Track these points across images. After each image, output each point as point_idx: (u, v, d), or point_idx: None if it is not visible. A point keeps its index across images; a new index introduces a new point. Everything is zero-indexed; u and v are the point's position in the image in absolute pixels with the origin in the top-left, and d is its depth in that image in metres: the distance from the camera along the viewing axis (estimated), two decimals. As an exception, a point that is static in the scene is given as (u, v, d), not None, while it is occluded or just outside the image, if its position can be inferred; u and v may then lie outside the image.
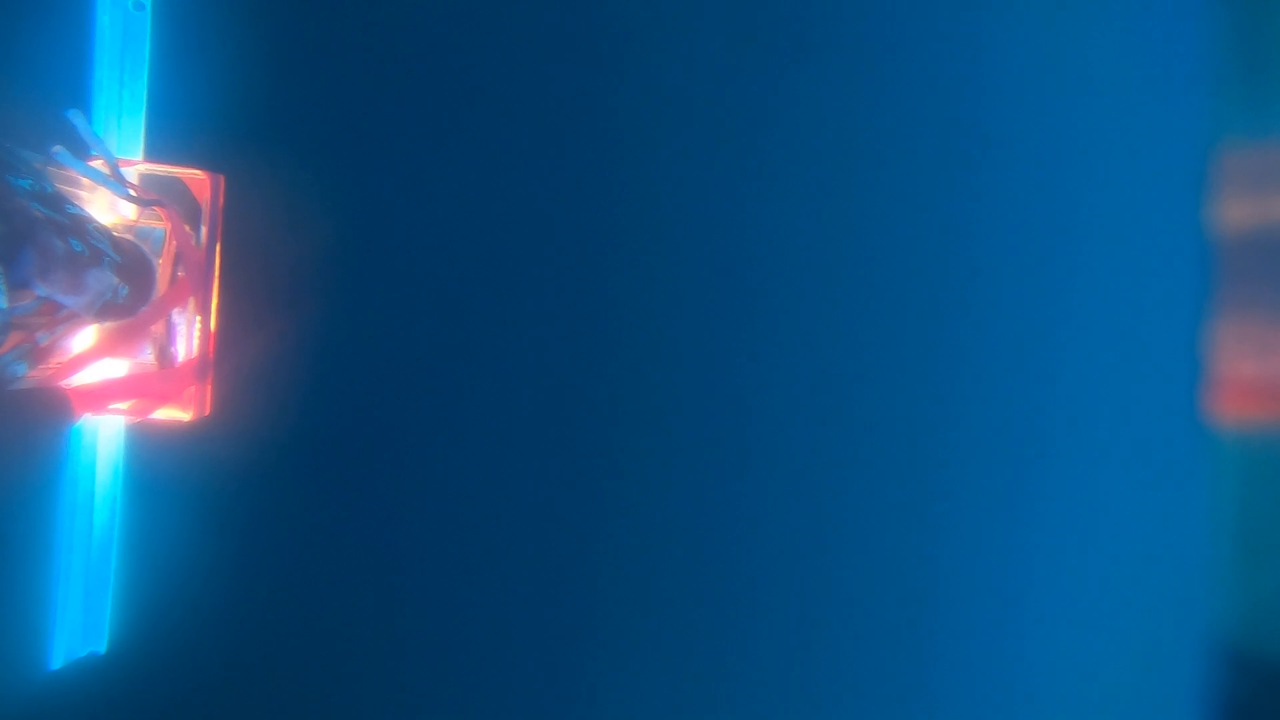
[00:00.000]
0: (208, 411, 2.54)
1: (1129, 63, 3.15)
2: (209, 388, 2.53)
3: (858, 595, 3.15)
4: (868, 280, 3.11)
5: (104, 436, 2.64)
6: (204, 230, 2.51)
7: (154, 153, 2.59)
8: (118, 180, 2.28)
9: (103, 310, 2.18)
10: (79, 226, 2.07)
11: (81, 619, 2.60)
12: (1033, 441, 3.19)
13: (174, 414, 2.50)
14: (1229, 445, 3.13)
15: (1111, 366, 3.18)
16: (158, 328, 2.45)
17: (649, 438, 3.05)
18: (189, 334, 2.50)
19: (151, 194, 2.44)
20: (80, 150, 2.21)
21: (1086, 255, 3.17)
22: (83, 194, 2.29)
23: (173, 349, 2.49)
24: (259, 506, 2.81)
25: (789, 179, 3.06)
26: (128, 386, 2.38)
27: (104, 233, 2.21)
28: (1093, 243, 3.17)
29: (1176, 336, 3.17)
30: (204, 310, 2.50)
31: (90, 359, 2.28)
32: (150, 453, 2.71)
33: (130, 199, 2.34)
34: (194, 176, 2.51)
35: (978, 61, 3.11)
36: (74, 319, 2.13)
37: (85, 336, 2.31)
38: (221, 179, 2.55)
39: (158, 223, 2.45)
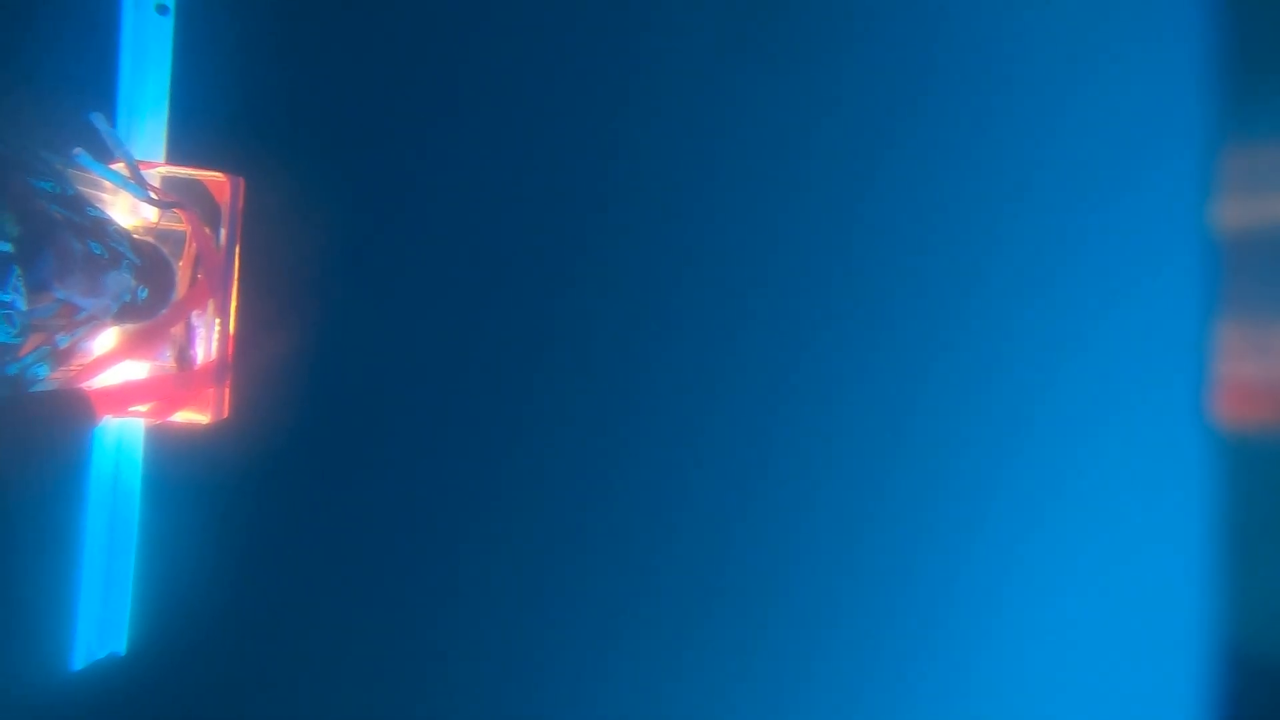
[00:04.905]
0: (226, 414, 2.55)
1: (1129, 63, 3.16)
2: (228, 390, 2.53)
3: (856, 595, 3.16)
4: (867, 281, 3.12)
5: (124, 438, 2.64)
6: (224, 233, 2.51)
7: (175, 155, 2.59)
8: (139, 183, 2.28)
9: (122, 312, 2.18)
10: (99, 229, 2.07)
11: (101, 620, 2.60)
12: (1032, 441, 3.20)
13: (193, 416, 2.51)
14: (1229, 445, 3.15)
15: (1111, 366, 3.19)
16: (177, 330, 2.45)
17: (658, 442, 3.07)
18: (208, 336, 2.50)
19: (172, 196, 2.44)
20: (102, 153, 2.20)
21: (1086, 255, 3.18)
22: (104, 196, 2.29)
23: (192, 351, 2.49)
24: (277, 508, 2.82)
25: (791, 179, 3.07)
26: (148, 389, 2.38)
27: (124, 235, 2.21)
28: (1092, 243, 3.18)
29: (1176, 337, 3.18)
30: (223, 313, 2.50)
31: (111, 361, 2.29)
32: (169, 455, 2.71)
33: (151, 201, 2.34)
34: (214, 179, 2.52)
35: (977, 61, 3.12)
36: (93, 321, 2.13)
37: (106, 339, 2.31)
38: (241, 182, 2.55)
39: (178, 225, 2.45)
